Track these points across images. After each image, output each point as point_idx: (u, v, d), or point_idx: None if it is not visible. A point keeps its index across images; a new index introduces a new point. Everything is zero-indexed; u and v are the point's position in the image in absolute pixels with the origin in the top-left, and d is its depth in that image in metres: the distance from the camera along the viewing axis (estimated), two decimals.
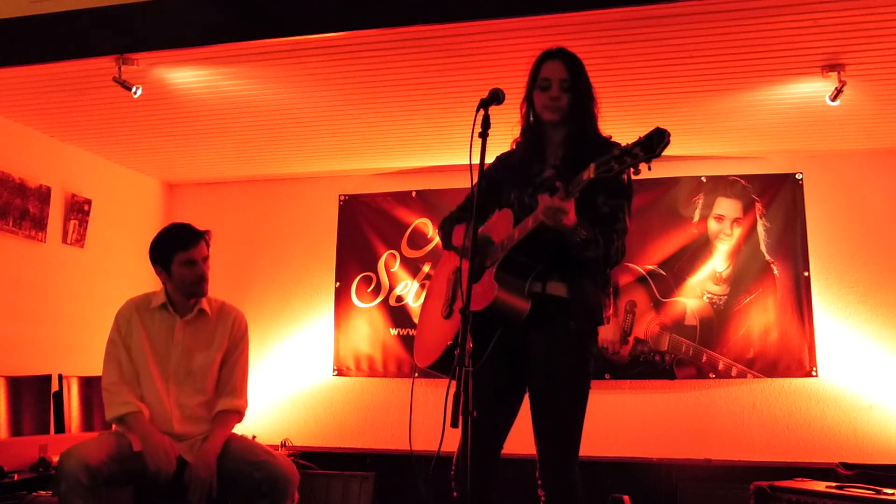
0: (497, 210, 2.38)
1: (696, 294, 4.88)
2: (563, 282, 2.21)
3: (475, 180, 2.03)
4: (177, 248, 2.79)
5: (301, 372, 5.39)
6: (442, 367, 2.34)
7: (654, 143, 1.82)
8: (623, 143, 1.93)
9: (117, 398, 2.73)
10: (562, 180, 2.15)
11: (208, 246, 2.87)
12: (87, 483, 2.43)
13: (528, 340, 2.24)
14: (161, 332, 2.84)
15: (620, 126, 4.48)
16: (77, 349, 4.77)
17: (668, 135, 1.82)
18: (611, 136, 2.36)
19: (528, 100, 2.36)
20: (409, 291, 5.27)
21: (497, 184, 2.39)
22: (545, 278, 2.20)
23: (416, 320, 5.18)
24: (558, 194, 1.99)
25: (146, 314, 2.85)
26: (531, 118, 2.36)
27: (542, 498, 2.20)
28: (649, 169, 1.89)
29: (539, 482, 2.20)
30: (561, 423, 2.21)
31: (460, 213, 2.51)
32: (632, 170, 1.88)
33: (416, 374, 2.51)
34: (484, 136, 2.07)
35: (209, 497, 2.64)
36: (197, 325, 2.88)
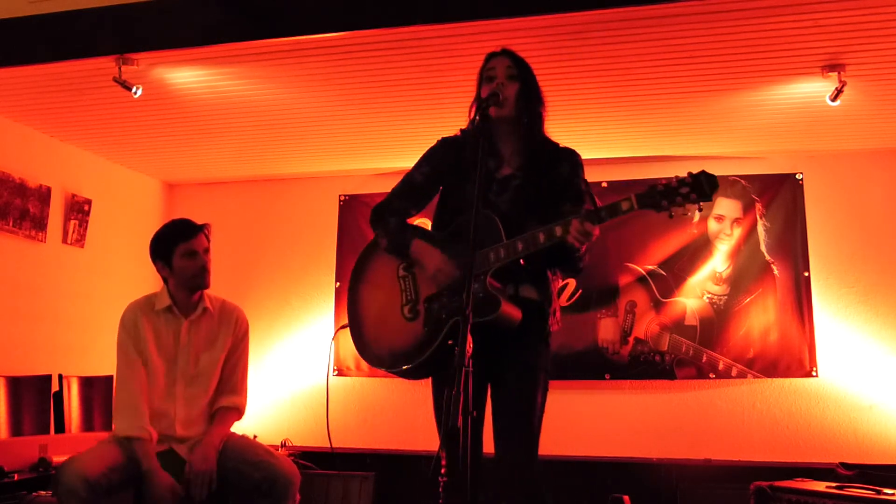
0: (439, 197, 2.41)
1: (696, 294, 4.88)
2: (533, 285, 2.25)
3: (475, 184, 2.01)
4: (178, 240, 2.79)
5: (301, 372, 5.39)
6: (413, 372, 2.27)
7: (707, 189, 1.90)
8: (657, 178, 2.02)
9: (130, 418, 2.69)
10: (526, 183, 2.24)
11: (208, 238, 2.87)
12: (87, 496, 2.42)
13: (497, 341, 2.20)
14: (168, 334, 2.83)
15: (622, 126, 4.51)
16: (77, 349, 4.77)
17: (717, 179, 1.91)
18: (558, 143, 2.39)
19: (477, 98, 2.33)
20: None
21: (444, 170, 2.37)
22: (517, 281, 2.23)
23: None
24: (588, 220, 2.02)
25: (152, 316, 2.84)
26: (479, 116, 2.25)
27: (503, 496, 2.19)
28: (700, 210, 1.97)
29: (498, 481, 2.19)
30: (531, 421, 2.22)
31: (405, 203, 2.41)
32: (676, 208, 1.95)
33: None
34: (484, 136, 2.08)
35: (209, 490, 2.64)
36: (201, 324, 2.88)
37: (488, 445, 2.29)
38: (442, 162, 2.40)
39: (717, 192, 1.93)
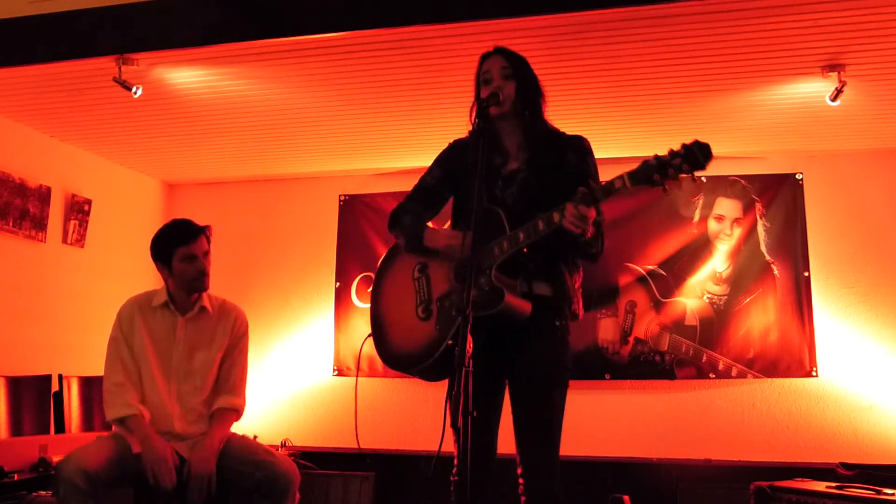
0: (453, 198, 2.42)
1: (696, 294, 4.88)
2: (547, 280, 2.24)
3: (478, 180, 2.02)
4: (178, 243, 2.79)
5: (301, 372, 5.39)
6: (430, 371, 2.29)
7: (700, 157, 1.84)
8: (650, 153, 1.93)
9: (119, 399, 2.72)
10: (532, 176, 2.23)
11: (209, 241, 2.87)
12: (86, 488, 2.43)
13: (514, 339, 2.23)
14: (163, 330, 2.84)
15: (622, 126, 4.51)
16: (77, 349, 4.76)
17: (710, 147, 1.84)
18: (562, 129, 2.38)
19: (477, 99, 2.35)
20: None
21: (457, 172, 2.39)
22: (530, 278, 2.22)
23: None
24: (583, 202, 2.00)
25: (148, 312, 2.85)
26: (479, 116, 2.27)
27: (523, 498, 2.20)
28: (693, 180, 1.89)
29: (520, 480, 2.21)
30: (549, 421, 2.23)
31: (419, 206, 2.45)
32: (671, 182, 1.89)
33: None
34: (485, 135, 2.08)
35: (209, 494, 2.64)
36: (198, 323, 2.88)
37: (508, 445, 2.30)
38: (452, 164, 2.42)
39: (710, 161, 1.84)
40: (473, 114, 2.33)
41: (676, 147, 1.89)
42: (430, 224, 2.47)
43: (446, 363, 2.17)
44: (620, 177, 1.96)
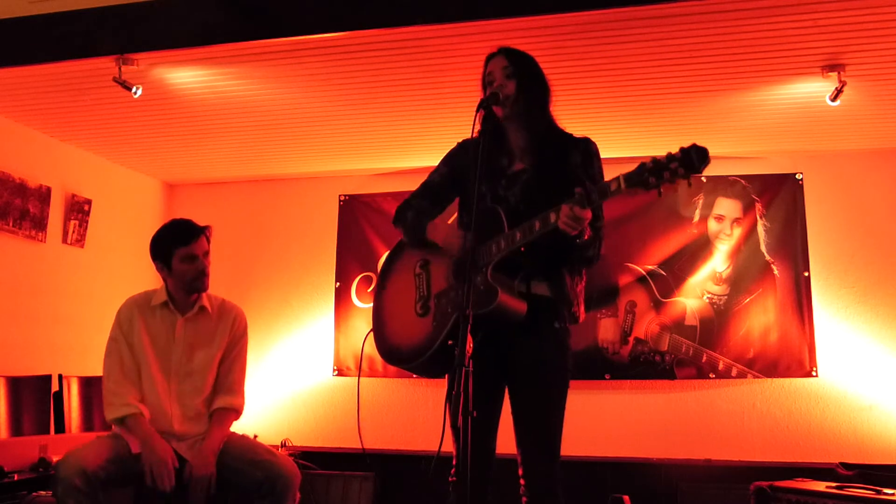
0: (458, 199, 2.43)
1: (696, 294, 4.88)
2: (546, 281, 2.24)
3: (475, 180, 2.02)
4: (178, 244, 2.79)
5: (301, 372, 5.39)
6: (425, 367, 2.31)
7: (696, 161, 1.82)
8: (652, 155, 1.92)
9: (118, 399, 2.72)
10: (535, 176, 2.23)
11: (209, 241, 2.87)
12: (84, 488, 2.43)
13: (512, 340, 2.24)
14: (162, 330, 2.84)
15: (622, 126, 4.51)
16: (77, 349, 4.76)
17: (708, 151, 1.82)
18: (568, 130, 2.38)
19: (483, 101, 2.33)
20: None
21: (462, 171, 2.39)
22: (529, 278, 2.22)
23: None
24: (578, 204, 1.99)
25: (147, 312, 2.85)
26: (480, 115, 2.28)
27: (524, 499, 2.21)
28: (689, 185, 1.88)
29: (521, 481, 2.22)
30: (547, 422, 2.23)
31: (424, 203, 2.46)
32: (667, 184, 1.87)
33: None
34: (485, 135, 2.08)
35: (208, 495, 2.64)
36: (198, 322, 2.88)
37: (508, 446, 2.30)
38: (459, 163, 2.42)
39: (706, 165, 1.82)
40: (477, 115, 2.34)
41: (675, 150, 1.87)
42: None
43: (441, 360, 2.19)
44: (616, 179, 1.96)
